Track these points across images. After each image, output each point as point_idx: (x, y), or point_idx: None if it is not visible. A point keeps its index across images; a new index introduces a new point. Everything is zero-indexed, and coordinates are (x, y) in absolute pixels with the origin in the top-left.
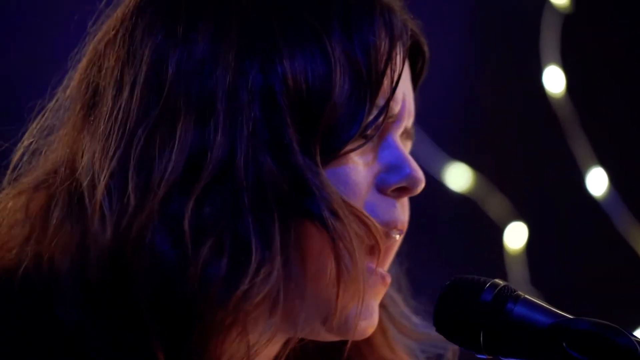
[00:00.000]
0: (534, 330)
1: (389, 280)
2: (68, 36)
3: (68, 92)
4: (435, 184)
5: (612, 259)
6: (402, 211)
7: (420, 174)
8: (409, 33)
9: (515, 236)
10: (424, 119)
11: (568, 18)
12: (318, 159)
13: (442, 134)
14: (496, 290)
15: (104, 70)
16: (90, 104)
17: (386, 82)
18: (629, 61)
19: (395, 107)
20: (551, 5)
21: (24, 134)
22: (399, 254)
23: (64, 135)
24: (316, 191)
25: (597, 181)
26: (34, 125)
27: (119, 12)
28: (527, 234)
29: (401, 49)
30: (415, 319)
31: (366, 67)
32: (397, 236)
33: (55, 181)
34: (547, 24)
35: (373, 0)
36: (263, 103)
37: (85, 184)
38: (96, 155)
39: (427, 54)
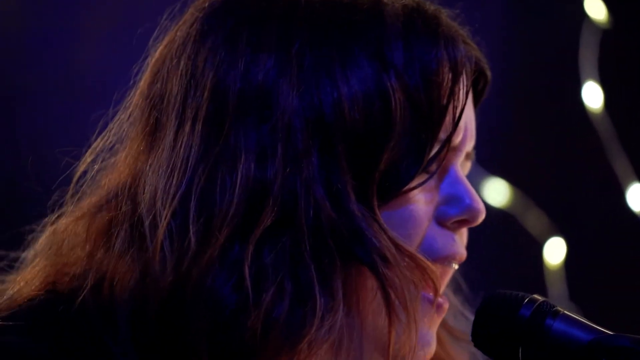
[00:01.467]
0: (574, 347)
1: (446, 307)
2: (130, 48)
3: (130, 112)
4: None
5: None
6: (460, 243)
7: (480, 206)
8: (473, 63)
9: (554, 251)
10: None
11: (606, 34)
12: (375, 203)
13: (480, 150)
14: (535, 306)
15: (166, 98)
16: (153, 130)
17: (448, 118)
18: None
19: (457, 139)
20: (590, 21)
21: (87, 148)
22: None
23: (125, 158)
24: (368, 239)
25: (637, 197)
26: (97, 142)
27: (180, 33)
28: (566, 249)
29: (464, 82)
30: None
31: (428, 104)
32: (455, 265)
33: (117, 207)
34: (586, 40)
35: (436, 32)
36: (321, 146)
37: (147, 222)
38: (159, 192)
39: (490, 77)
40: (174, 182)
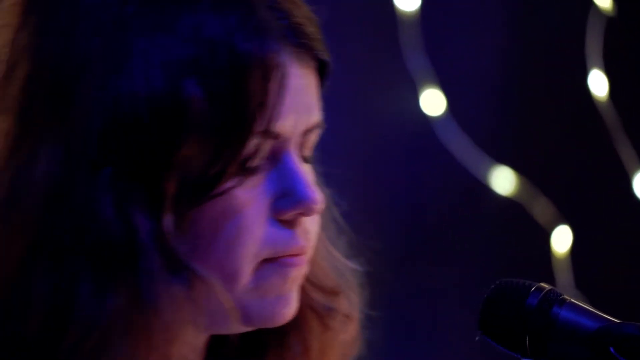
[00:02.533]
0: (581, 335)
1: (300, 263)
2: None
3: None
4: (480, 188)
5: None
6: (302, 236)
7: (313, 196)
8: (295, 50)
9: (561, 240)
10: (468, 123)
11: (612, 21)
12: (165, 213)
13: (487, 138)
14: (542, 294)
15: None
16: None
17: (262, 119)
18: None
19: (283, 127)
20: (596, 9)
21: None
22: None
23: None
24: (151, 250)
25: None
26: None
27: None
28: (573, 237)
29: (280, 78)
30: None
31: (231, 111)
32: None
33: None
34: (592, 27)
35: (247, 25)
36: (119, 146)
37: None
38: None
39: (325, 59)
40: None
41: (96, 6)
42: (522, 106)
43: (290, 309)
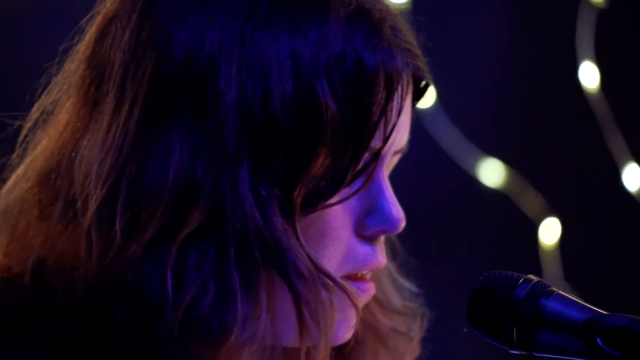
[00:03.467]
0: (568, 326)
1: (372, 292)
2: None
3: (72, 73)
4: (468, 180)
5: None
6: (380, 253)
7: (400, 216)
8: (411, 73)
9: (549, 232)
10: (457, 115)
11: (603, 13)
12: (296, 218)
13: (475, 130)
14: (530, 286)
15: (107, 70)
16: (92, 100)
17: (378, 133)
18: None
19: (387, 147)
20: (587, 1)
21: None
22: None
23: (64, 124)
24: (287, 253)
25: (632, 177)
26: (41, 99)
27: None
28: (561, 229)
29: (399, 96)
30: (409, 285)
31: (358, 120)
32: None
33: (56, 180)
34: (583, 19)
35: (376, 45)
36: (251, 151)
37: (79, 204)
38: (91, 174)
39: (430, 83)
40: (106, 167)
41: (227, 3)
42: (512, 98)
43: (350, 333)
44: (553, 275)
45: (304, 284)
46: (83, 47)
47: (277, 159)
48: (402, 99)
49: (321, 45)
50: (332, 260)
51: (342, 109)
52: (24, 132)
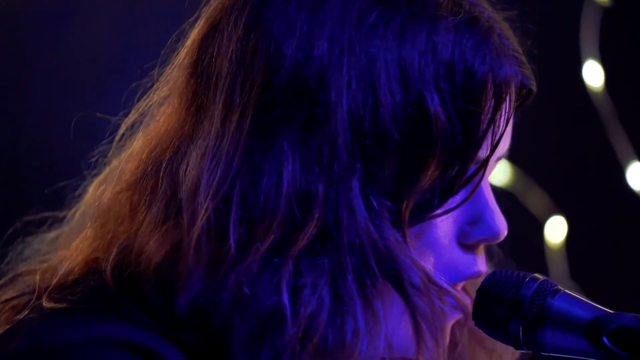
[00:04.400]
0: (574, 325)
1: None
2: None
3: (174, 81)
4: None
5: None
6: (481, 261)
7: (503, 227)
8: (519, 81)
9: (555, 230)
10: None
11: (607, 12)
12: (406, 229)
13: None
14: (536, 285)
15: (213, 80)
16: (198, 108)
17: (486, 142)
18: None
19: (497, 153)
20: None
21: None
22: None
23: (166, 129)
24: (401, 265)
25: (637, 175)
26: (140, 103)
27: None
28: (567, 228)
29: (507, 106)
30: None
31: (466, 131)
32: None
33: (156, 181)
34: (587, 18)
35: (484, 57)
36: (363, 162)
37: (186, 209)
38: (202, 181)
39: (534, 91)
40: (218, 175)
41: (336, 12)
42: None
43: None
44: (559, 273)
45: (419, 296)
46: (186, 52)
47: (388, 170)
48: (510, 108)
49: (430, 55)
50: (436, 270)
51: (452, 120)
52: (121, 131)
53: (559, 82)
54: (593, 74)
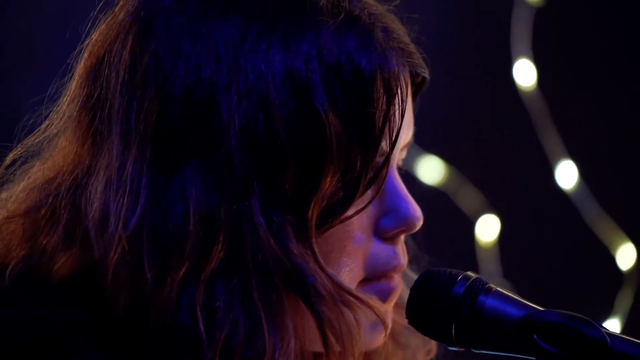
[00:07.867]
0: (506, 323)
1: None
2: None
3: (67, 114)
4: (407, 177)
5: (581, 252)
6: (402, 253)
7: (417, 214)
8: (409, 72)
9: (487, 229)
10: None
11: (539, 12)
12: (312, 240)
13: (414, 127)
14: (468, 283)
15: (106, 111)
16: (94, 136)
17: (384, 140)
18: (599, 55)
19: (400, 144)
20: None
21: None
22: None
23: (62, 156)
24: (305, 277)
25: (567, 174)
26: (29, 138)
27: (119, 18)
28: (499, 226)
29: (400, 100)
30: None
31: (361, 132)
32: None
33: (54, 207)
34: (518, 17)
35: (369, 41)
36: (261, 178)
37: (97, 240)
38: (110, 212)
39: (428, 80)
40: (125, 206)
41: (218, 34)
42: (448, 95)
43: (382, 335)
44: (491, 271)
45: (325, 305)
46: (75, 87)
47: (287, 183)
48: (403, 101)
49: (316, 62)
50: (356, 268)
51: (345, 122)
52: (6, 163)
53: (490, 81)
54: (525, 73)
